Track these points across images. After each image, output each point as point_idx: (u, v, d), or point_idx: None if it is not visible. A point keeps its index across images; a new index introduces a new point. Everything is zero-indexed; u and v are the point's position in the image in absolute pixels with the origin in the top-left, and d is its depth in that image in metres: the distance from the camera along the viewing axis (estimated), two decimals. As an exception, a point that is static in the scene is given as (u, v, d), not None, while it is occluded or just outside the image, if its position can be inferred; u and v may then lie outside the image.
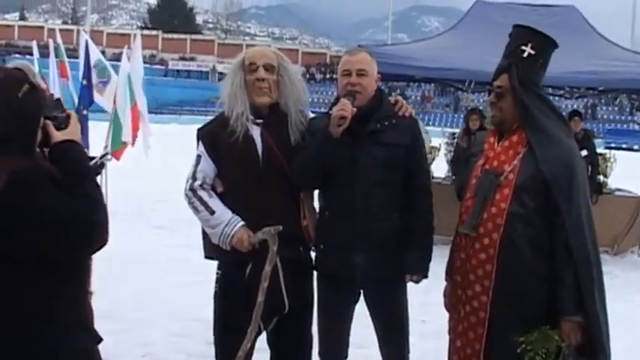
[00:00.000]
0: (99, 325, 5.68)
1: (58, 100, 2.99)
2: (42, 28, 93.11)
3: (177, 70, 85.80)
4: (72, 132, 2.81)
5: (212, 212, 4.15)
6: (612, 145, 44.28)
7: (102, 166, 4.10)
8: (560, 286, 3.69)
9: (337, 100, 4.20)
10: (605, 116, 67.38)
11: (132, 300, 7.68)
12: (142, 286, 8.35)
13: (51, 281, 2.63)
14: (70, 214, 2.55)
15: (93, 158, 4.13)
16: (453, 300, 4.06)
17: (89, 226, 2.61)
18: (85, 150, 3.06)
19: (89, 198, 2.66)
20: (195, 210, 4.21)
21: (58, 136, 2.77)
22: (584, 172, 3.90)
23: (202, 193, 4.21)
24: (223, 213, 4.14)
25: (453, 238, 4.12)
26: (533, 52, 3.86)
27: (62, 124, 2.81)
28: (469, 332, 3.91)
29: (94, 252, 2.76)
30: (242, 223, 4.10)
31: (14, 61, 6.26)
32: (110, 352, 5.91)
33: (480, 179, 3.92)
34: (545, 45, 3.92)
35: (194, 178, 4.23)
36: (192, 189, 4.22)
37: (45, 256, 2.57)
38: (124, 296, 7.69)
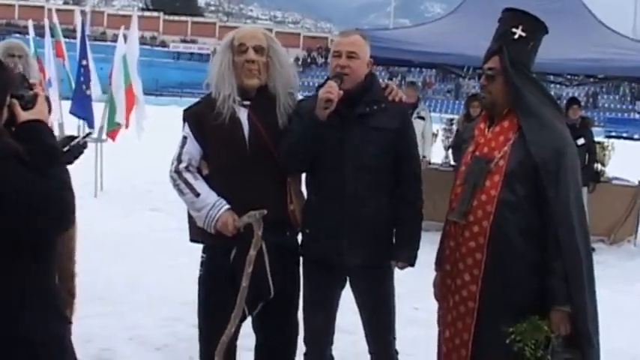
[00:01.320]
0: (87, 308, 5.68)
1: (24, 76, 2.90)
2: (42, 7, 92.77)
3: (178, 53, 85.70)
4: (39, 111, 2.73)
5: (197, 195, 4.10)
6: (613, 133, 44.36)
7: (84, 145, 4.01)
8: (550, 275, 3.63)
9: (326, 81, 4.13)
10: (606, 105, 67.46)
11: (123, 282, 7.66)
12: (133, 269, 8.33)
13: (20, 263, 2.58)
14: (37, 193, 2.50)
15: (75, 138, 4.05)
16: (443, 290, 4.00)
17: (56, 207, 2.55)
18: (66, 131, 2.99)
19: (56, 178, 2.60)
20: (181, 192, 4.16)
21: (24, 115, 2.69)
22: (575, 159, 3.81)
23: (187, 175, 4.15)
24: (208, 196, 4.09)
25: (443, 226, 4.06)
26: (524, 34, 3.80)
27: (29, 103, 2.72)
28: (458, 322, 3.85)
29: (59, 233, 2.70)
30: (227, 206, 4.05)
31: (7, 40, 6.18)
32: (98, 333, 5.94)
33: (470, 166, 3.85)
34: (536, 27, 3.87)
35: (179, 160, 4.17)
36: (177, 171, 4.16)
37: (12, 237, 2.51)
38: (115, 278, 7.69)
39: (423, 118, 11.91)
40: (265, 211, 3.80)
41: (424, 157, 9.66)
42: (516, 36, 3.80)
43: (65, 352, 2.77)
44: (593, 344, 3.69)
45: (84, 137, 3.60)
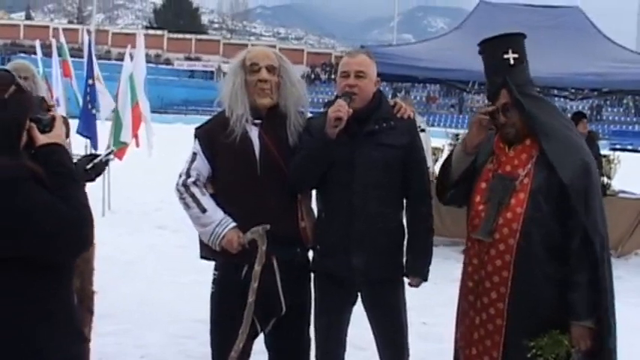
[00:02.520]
0: (99, 326, 5.70)
1: (42, 98, 2.95)
2: (47, 27, 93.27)
3: (183, 70, 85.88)
4: (56, 135, 2.78)
5: (204, 210, 4.14)
6: (617, 146, 44.27)
7: (106, 163, 4.09)
8: (572, 290, 3.64)
9: (335, 100, 4.18)
10: (610, 117, 67.40)
11: (132, 300, 7.66)
12: (142, 287, 8.34)
13: (39, 282, 2.62)
14: (56, 216, 2.54)
15: (97, 156, 4.12)
16: (465, 306, 4.01)
17: (74, 228, 2.59)
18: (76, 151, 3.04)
19: (74, 200, 2.64)
20: (187, 206, 4.19)
21: (41, 139, 2.74)
22: (597, 173, 3.86)
23: (195, 190, 4.19)
24: (215, 212, 4.13)
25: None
26: (516, 55, 3.83)
27: (47, 126, 2.77)
28: (486, 340, 3.85)
29: (78, 254, 2.74)
30: (234, 224, 4.09)
31: (14, 60, 6.24)
32: (109, 352, 5.95)
33: (493, 184, 3.86)
34: (521, 43, 3.91)
35: (188, 174, 4.22)
36: (185, 185, 4.20)
37: (30, 257, 2.55)
38: (124, 296, 7.68)
39: (424, 131, 11.43)
40: (269, 226, 3.85)
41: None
42: (511, 62, 3.83)
43: None
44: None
45: (106, 155, 3.66)
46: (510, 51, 3.83)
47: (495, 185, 3.85)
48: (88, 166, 3.93)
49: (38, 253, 2.56)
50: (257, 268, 3.89)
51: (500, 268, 3.77)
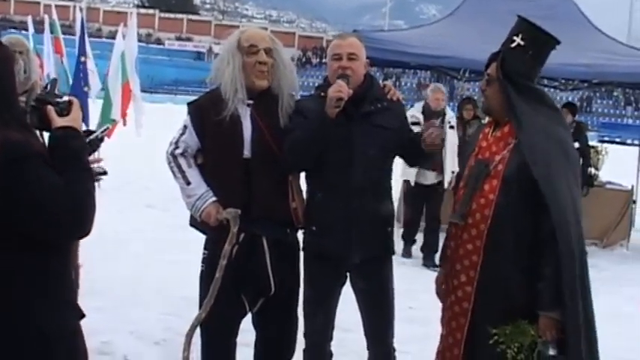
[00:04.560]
0: (87, 302, 5.68)
1: (55, 79, 2.99)
2: (38, 3, 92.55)
3: (174, 50, 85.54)
4: (73, 119, 2.79)
5: (188, 183, 4.26)
6: (606, 138, 44.39)
7: (102, 140, 4.12)
8: (540, 280, 3.66)
9: (325, 82, 4.25)
10: (600, 110, 67.53)
11: (121, 278, 7.70)
12: (131, 264, 8.39)
13: (37, 257, 2.64)
14: (58, 195, 2.55)
15: (92, 132, 4.16)
16: (445, 288, 4.07)
17: (75, 211, 2.60)
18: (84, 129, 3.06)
19: (80, 184, 2.66)
20: (174, 175, 4.32)
21: (59, 121, 2.76)
22: (571, 161, 3.86)
23: (182, 161, 4.29)
24: (199, 186, 4.24)
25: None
26: (522, 42, 3.81)
27: (64, 110, 2.79)
28: (452, 321, 3.92)
29: (78, 237, 2.77)
30: (213, 199, 4.19)
31: (8, 35, 6.22)
32: (97, 328, 5.97)
33: (472, 168, 3.92)
34: (536, 37, 3.85)
35: (176, 145, 4.31)
36: (173, 154, 4.31)
37: (28, 235, 2.57)
38: (113, 274, 7.72)
39: (453, 127, 10.46)
40: (239, 211, 4.00)
41: (453, 172, 9.52)
42: (514, 44, 3.83)
43: (78, 348, 2.82)
44: (580, 352, 3.63)
45: (102, 131, 3.69)
46: (520, 36, 3.82)
47: (473, 169, 3.90)
48: None
49: (36, 233, 2.58)
50: (227, 247, 4.02)
51: (471, 252, 3.83)
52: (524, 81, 3.85)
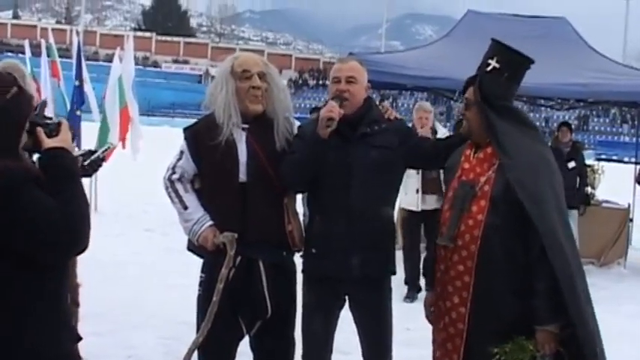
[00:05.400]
0: (85, 326, 5.70)
1: (44, 102, 3.02)
2: (35, 27, 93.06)
3: (170, 73, 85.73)
4: (62, 139, 2.84)
5: (185, 207, 4.29)
6: (603, 156, 44.54)
7: (103, 159, 4.19)
8: (534, 295, 3.69)
9: (326, 103, 4.27)
10: (596, 128, 67.74)
11: (119, 301, 7.68)
12: (129, 288, 8.37)
13: (31, 280, 2.66)
14: (53, 217, 2.58)
15: (94, 152, 4.20)
16: (436, 311, 4.08)
17: (70, 231, 2.64)
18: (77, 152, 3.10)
19: (73, 203, 2.69)
20: (171, 199, 4.35)
21: (48, 142, 2.80)
22: (554, 177, 3.90)
23: (179, 186, 4.32)
24: (196, 210, 4.26)
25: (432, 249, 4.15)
26: (497, 65, 3.89)
27: (53, 131, 2.84)
28: (448, 343, 3.93)
29: (72, 256, 2.79)
30: (210, 222, 4.21)
31: (4, 60, 6.24)
32: (95, 352, 5.95)
33: (457, 190, 3.94)
34: (511, 59, 3.92)
35: (173, 170, 4.35)
36: (170, 179, 4.34)
37: (24, 256, 2.60)
38: (110, 298, 7.69)
39: None
40: (236, 235, 4.03)
41: None
42: (490, 67, 3.90)
43: None
44: (596, 355, 3.68)
45: (103, 151, 3.72)
46: (495, 59, 3.90)
47: (458, 192, 3.93)
48: (86, 162, 4.02)
49: (33, 254, 2.60)
50: (224, 271, 4.03)
51: (463, 273, 3.84)
52: (502, 102, 3.92)
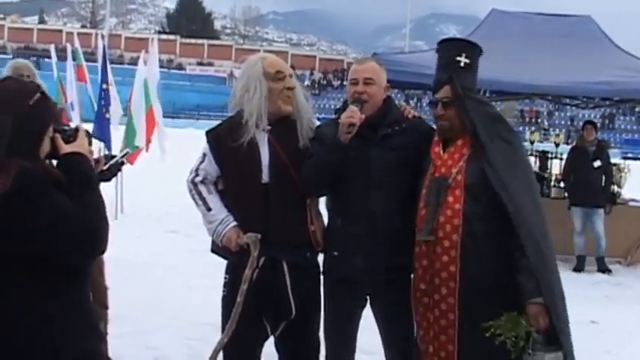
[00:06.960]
0: (112, 327, 5.75)
1: (62, 108, 3.09)
2: (60, 31, 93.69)
3: (195, 75, 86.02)
4: (79, 145, 2.91)
5: (209, 209, 4.31)
6: (629, 155, 44.19)
7: (122, 164, 4.23)
8: (519, 272, 3.79)
9: (344, 106, 4.27)
10: (622, 126, 67.20)
11: (143, 303, 7.71)
12: (154, 290, 8.40)
13: (54, 281, 2.71)
14: (73, 220, 2.64)
15: (113, 157, 4.24)
16: (421, 309, 4.13)
17: (89, 233, 2.69)
18: (96, 157, 3.15)
19: (92, 206, 2.75)
20: (195, 202, 4.38)
21: (65, 148, 2.87)
22: (524, 165, 4.14)
23: (202, 188, 4.35)
24: (219, 211, 4.28)
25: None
26: (468, 61, 4.07)
27: (71, 137, 2.91)
28: (441, 336, 3.99)
29: (92, 258, 2.83)
30: (234, 223, 4.23)
31: (15, 60, 6.30)
32: (120, 354, 5.96)
33: (430, 187, 4.04)
34: (476, 52, 4.15)
35: (196, 173, 4.38)
36: (193, 182, 4.38)
37: (45, 257, 2.64)
38: (135, 299, 7.72)
39: None
40: (260, 236, 4.04)
41: None
42: (462, 64, 4.06)
43: None
44: (567, 333, 3.80)
45: (122, 156, 3.75)
46: (464, 55, 4.07)
47: (431, 187, 4.02)
48: (105, 167, 4.06)
49: (53, 256, 2.65)
50: (247, 272, 4.03)
51: (448, 264, 3.93)
52: (475, 95, 4.13)
